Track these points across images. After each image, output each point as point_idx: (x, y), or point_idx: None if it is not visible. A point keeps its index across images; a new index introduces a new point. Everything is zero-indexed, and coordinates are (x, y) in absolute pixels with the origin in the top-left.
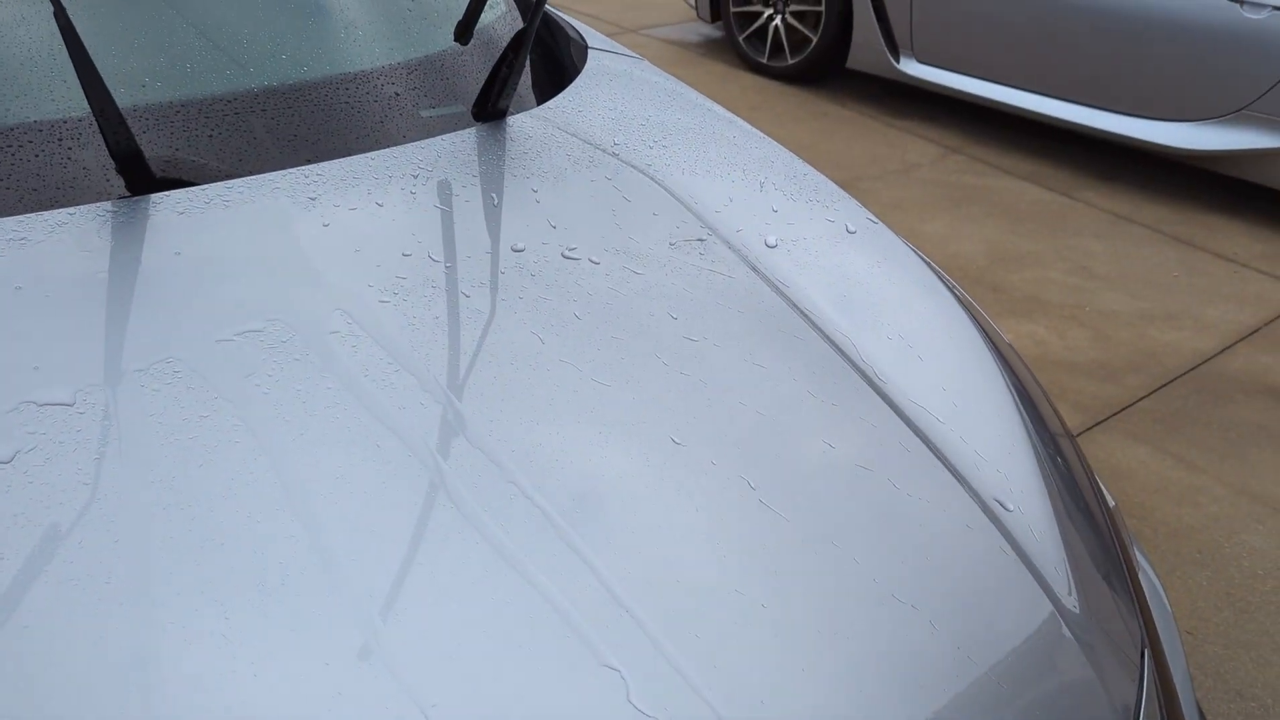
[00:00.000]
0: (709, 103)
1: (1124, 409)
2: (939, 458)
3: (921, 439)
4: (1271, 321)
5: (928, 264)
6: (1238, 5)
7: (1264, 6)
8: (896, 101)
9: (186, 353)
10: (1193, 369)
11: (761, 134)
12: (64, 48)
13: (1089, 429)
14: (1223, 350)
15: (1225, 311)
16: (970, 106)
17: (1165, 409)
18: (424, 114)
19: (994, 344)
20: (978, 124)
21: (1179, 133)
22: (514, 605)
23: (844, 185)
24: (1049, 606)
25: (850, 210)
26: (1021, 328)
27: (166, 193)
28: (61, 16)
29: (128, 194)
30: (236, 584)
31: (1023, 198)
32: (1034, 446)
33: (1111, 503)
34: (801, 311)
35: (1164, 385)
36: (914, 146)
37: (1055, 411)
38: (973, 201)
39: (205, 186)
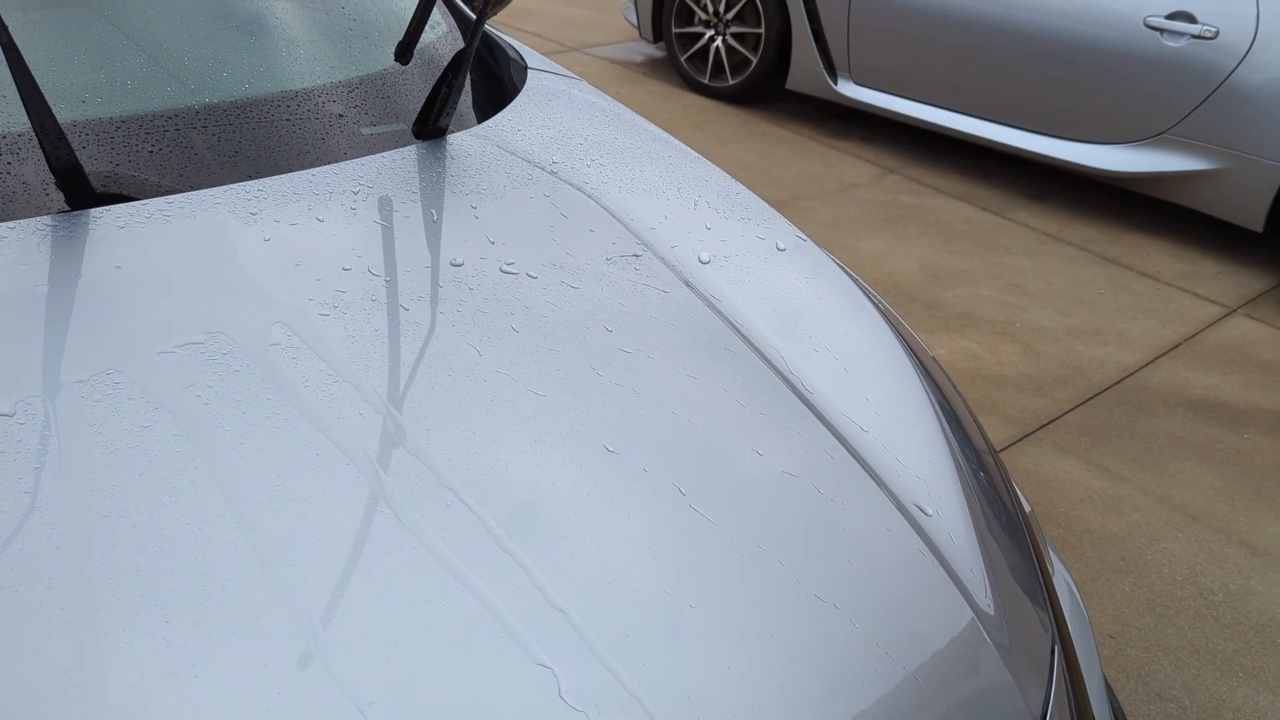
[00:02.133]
0: (646, 123)
1: (1051, 421)
2: (862, 465)
3: (846, 447)
4: (1192, 337)
5: (855, 280)
6: (1158, 34)
7: (1182, 35)
8: (834, 122)
9: (127, 364)
10: (1117, 383)
11: (696, 154)
12: (3, 62)
13: (1018, 441)
14: (1146, 365)
15: (1148, 328)
16: (906, 128)
17: (1091, 421)
18: (365, 132)
19: (918, 358)
20: (913, 145)
21: (1104, 155)
22: (450, 608)
23: (783, 204)
24: (965, 606)
25: (780, 228)
26: (955, 343)
27: (107, 207)
28: (2, 31)
29: (67, 208)
30: (177, 589)
31: (957, 217)
32: (953, 455)
33: (1028, 508)
34: (733, 325)
35: (1090, 399)
36: (851, 166)
37: (976, 422)
38: (908, 220)
39: (145, 201)
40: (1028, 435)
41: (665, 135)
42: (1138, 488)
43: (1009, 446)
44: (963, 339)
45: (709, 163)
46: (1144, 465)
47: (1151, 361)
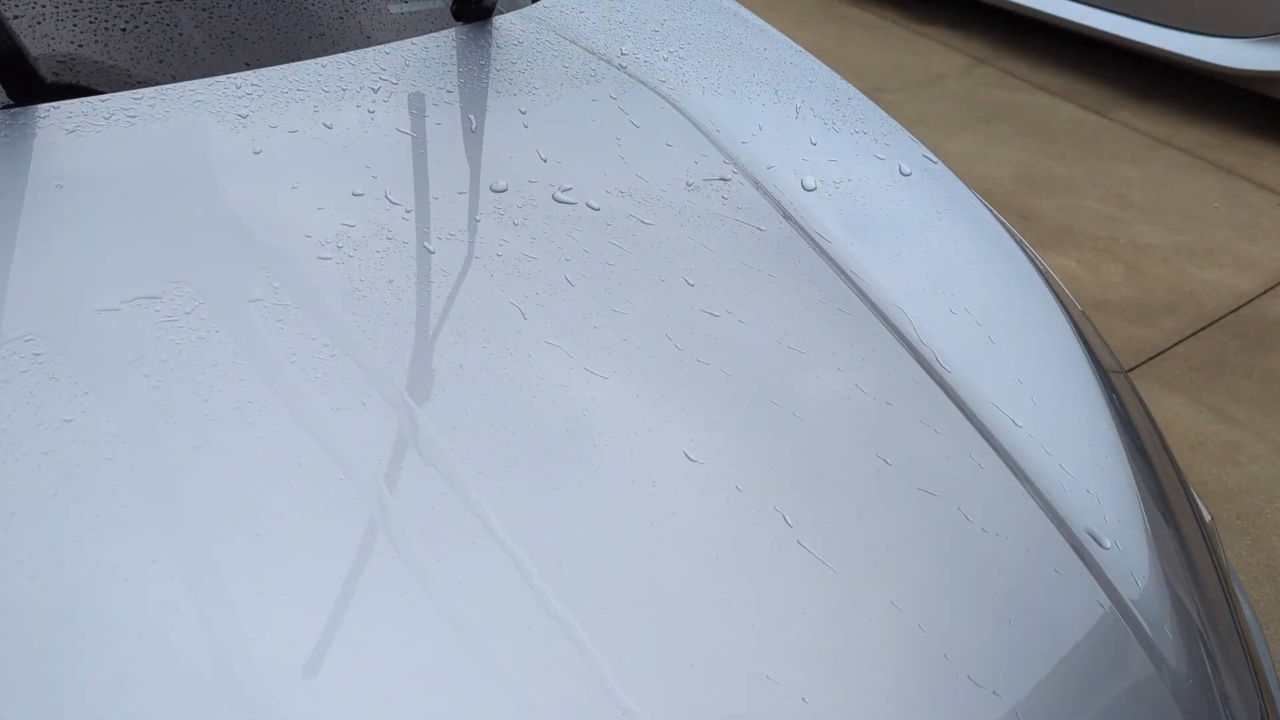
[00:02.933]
0: (735, 5)
1: (1159, 354)
2: (1018, 476)
3: (996, 450)
4: None
5: (995, 215)
6: None
7: None
8: (922, 6)
9: (54, 327)
10: (1233, 311)
11: (798, 46)
12: None
13: None
14: (1265, 291)
15: (1269, 248)
16: (1001, 13)
17: (1203, 355)
18: (393, 9)
19: (1073, 320)
20: (1009, 33)
21: (1226, 49)
22: (473, 702)
23: None
24: (1160, 682)
25: (904, 145)
26: (1052, 260)
27: (56, 104)
28: None
29: (9, 103)
30: (100, 673)
31: (1055, 116)
32: (1129, 458)
33: (1207, 518)
34: (846, 276)
35: (1202, 329)
36: (940, 56)
37: (1142, 404)
38: (1001, 119)
39: (107, 96)
40: (1132, 369)
41: (759, 22)
42: (1256, 434)
43: None
44: (1061, 256)
45: (813, 57)
46: (1263, 408)
47: (1271, 288)
